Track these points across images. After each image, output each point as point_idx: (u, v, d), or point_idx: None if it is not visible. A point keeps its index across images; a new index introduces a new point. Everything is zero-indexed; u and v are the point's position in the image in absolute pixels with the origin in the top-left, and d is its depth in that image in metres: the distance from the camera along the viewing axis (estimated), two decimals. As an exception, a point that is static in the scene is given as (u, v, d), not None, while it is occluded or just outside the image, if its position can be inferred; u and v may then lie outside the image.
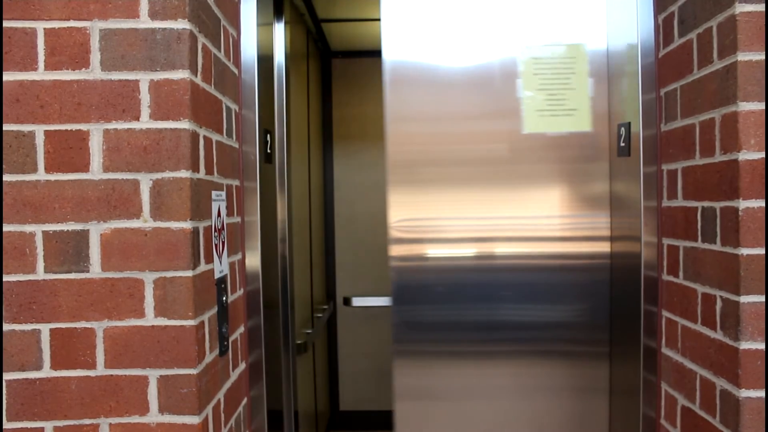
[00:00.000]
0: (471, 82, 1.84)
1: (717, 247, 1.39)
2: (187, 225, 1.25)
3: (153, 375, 1.26)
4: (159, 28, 1.24)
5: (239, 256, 1.66)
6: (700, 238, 1.46)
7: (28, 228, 1.24)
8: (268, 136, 1.86)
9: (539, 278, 1.87)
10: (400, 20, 1.84)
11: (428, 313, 1.87)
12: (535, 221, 1.86)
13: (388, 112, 1.83)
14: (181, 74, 1.24)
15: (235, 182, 1.63)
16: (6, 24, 1.22)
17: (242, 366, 1.66)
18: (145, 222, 1.25)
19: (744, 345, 1.30)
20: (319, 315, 3.36)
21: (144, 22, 1.24)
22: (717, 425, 1.39)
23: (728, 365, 1.34)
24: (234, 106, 1.62)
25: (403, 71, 1.84)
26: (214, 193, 1.42)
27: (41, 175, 1.23)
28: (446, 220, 1.86)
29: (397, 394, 1.87)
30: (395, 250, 1.86)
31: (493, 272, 1.87)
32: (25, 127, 1.23)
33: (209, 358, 1.35)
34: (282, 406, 1.93)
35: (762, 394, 1.30)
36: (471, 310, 1.87)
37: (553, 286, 1.86)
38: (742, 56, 1.29)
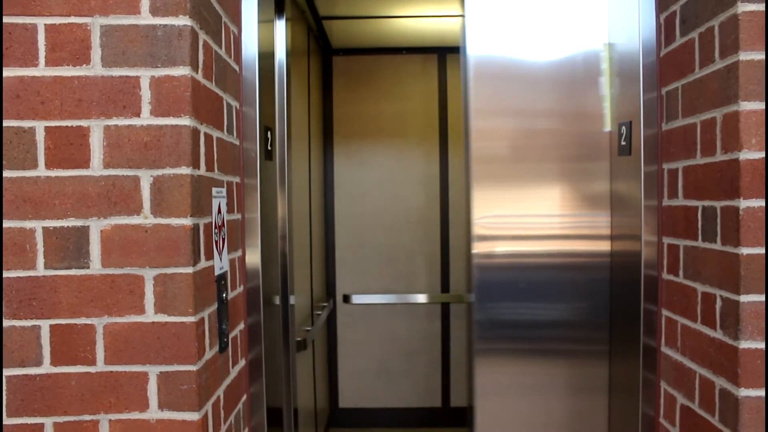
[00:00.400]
0: (554, 78, 1.83)
1: (717, 246, 1.39)
2: (187, 221, 1.25)
3: (153, 371, 1.26)
4: (160, 25, 1.24)
5: (239, 253, 1.66)
6: (700, 237, 1.46)
7: (28, 224, 1.23)
8: (269, 133, 1.85)
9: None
10: (483, 16, 1.82)
11: (511, 311, 1.85)
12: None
13: (471, 107, 1.82)
14: (182, 71, 1.24)
15: (236, 179, 1.63)
16: (6, 20, 1.22)
17: (242, 363, 1.66)
18: (146, 218, 1.25)
19: (744, 344, 1.30)
20: (319, 312, 3.36)
21: (145, 18, 1.24)
22: (716, 424, 1.39)
23: (728, 364, 1.34)
24: (235, 103, 1.62)
25: (487, 67, 1.83)
26: (214, 190, 1.42)
27: (41, 171, 1.23)
28: (532, 217, 1.84)
29: (478, 392, 1.85)
30: (478, 247, 1.83)
31: (580, 270, 1.85)
32: (26, 123, 1.23)
33: (209, 354, 1.35)
34: (281, 403, 1.93)
35: (761, 393, 1.30)
36: (544, 309, 1.86)
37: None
38: (743, 56, 1.29)
